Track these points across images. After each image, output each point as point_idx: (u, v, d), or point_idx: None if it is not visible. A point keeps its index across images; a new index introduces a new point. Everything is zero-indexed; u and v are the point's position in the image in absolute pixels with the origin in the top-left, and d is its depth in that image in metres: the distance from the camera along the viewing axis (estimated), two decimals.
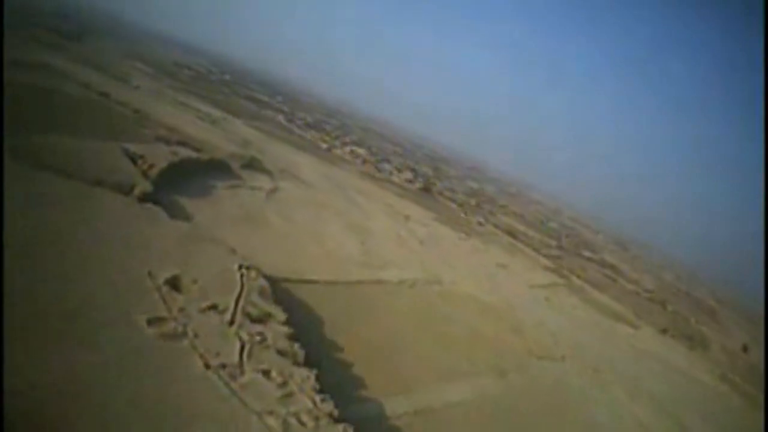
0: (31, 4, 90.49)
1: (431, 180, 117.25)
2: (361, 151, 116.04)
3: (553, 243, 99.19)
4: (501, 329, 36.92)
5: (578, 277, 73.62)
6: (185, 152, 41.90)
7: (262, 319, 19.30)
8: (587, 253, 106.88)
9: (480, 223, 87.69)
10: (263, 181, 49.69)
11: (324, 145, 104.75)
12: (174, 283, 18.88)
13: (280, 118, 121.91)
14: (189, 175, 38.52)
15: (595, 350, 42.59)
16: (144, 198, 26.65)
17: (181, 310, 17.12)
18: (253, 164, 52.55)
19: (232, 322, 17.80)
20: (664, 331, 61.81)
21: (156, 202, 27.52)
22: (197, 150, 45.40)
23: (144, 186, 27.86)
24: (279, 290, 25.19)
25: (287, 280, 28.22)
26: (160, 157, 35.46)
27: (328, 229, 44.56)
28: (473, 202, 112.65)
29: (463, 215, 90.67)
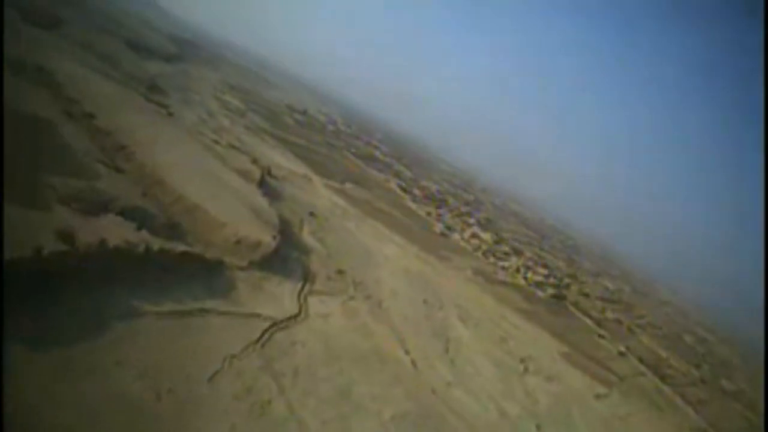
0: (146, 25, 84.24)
1: (565, 281, 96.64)
2: (485, 236, 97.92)
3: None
4: None
5: None
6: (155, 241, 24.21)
7: None
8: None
9: (621, 353, 67.15)
10: (283, 307, 30.08)
11: (439, 226, 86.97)
12: None
13: (394, 183, 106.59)
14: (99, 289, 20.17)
15: None
16: None
17: None
18: (288, 267, 33.58)
19: None
20: None
21: None
22: (186, 238, 27.58)
23: None
24: None
25: None
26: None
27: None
28: (610, 312, 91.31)
29: (601, 339, 69.97)
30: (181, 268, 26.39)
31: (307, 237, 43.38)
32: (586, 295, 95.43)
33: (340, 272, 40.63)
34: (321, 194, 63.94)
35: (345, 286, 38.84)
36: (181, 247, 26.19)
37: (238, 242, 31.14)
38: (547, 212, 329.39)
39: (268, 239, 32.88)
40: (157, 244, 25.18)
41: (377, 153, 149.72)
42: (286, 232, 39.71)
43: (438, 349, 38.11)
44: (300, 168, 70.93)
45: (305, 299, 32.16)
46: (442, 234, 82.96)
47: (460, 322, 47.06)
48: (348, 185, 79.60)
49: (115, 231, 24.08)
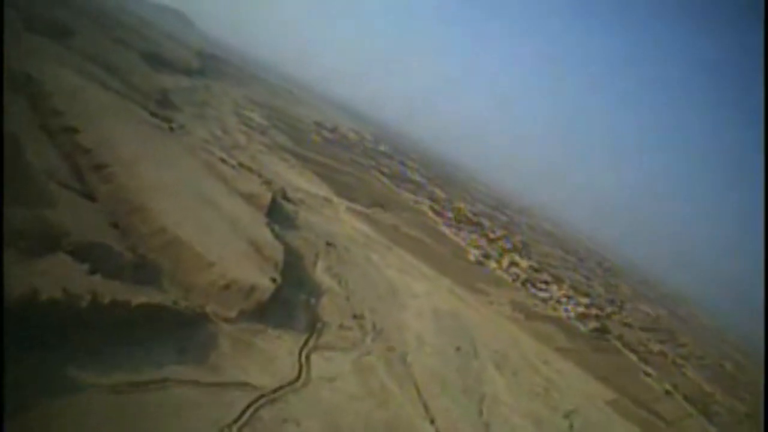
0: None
1: (607, 310, 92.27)
2: (523, 263, 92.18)
3: None
4: None
5: None
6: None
7: None
8: None
9: (668, 392, 61.88)
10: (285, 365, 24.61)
11: (475, 253, 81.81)
12: None
13: (426, 205, 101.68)
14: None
15: None
16: None
17: None
18: (291, 315, 28.24)
19: None
20: None
21: None
22: (160, 282, 22.62)
23: None
24: None
25: None
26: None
27: None
28: (654, 344, 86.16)
29: (647, 378, 64.13)
30: (147, 323, 21.32)
31: (320, 274, 37.95)
32: (629, 325, 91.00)
33: (357, 318, 34.99)
34: (343, 220, 58.77)
35: (361, 335, 33.13)
36: (141, 298, 20.97)
37: (226, 287, 25.92)
38: (569, 224, 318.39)
39: (265, 283, 27.55)
40: (111, 293, 20.13)
41: (409, 172, 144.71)
42: (294, 268, 34.43)
43: (470, 412, 32.08)
44: (321, 190, 66.10)
45: (308, 358, 26.56)
46: (478, 262, 76.95)
47: (496, 371, 40.90)
48: (375, 209, 74.37)
49: (57, 277, 19.19)
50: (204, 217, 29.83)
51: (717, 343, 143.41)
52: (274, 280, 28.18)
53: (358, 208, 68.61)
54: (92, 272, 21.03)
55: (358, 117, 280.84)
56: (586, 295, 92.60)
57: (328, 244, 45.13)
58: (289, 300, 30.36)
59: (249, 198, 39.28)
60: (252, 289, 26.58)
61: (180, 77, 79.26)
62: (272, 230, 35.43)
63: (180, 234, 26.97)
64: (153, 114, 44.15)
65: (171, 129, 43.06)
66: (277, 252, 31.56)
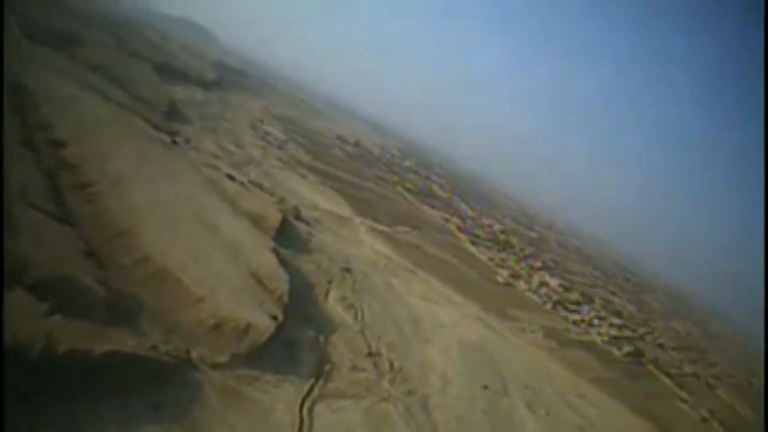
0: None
1: (640, 330, 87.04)
2: (553, 283, 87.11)
3: None
4: None
5: None
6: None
7: None
8: None
9: (704, 419, 57.60)
10: None
11: (504, 273, 77.26)
12: None
13: (452, 223, 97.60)
14: None
15: None
16: None
17: None
18: (295, 357, 24.77)
19: None
20: None
21: None
22: (138, 322, 19.52)
23: None
24: None
25: None
26: None
27: None
28: (687, 365, 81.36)
29: (683, 404, 59.21)
30: (115, 373, 18.06)
31: (333, 305, 34.40)
32: (661, 346, 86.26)
33: (373, 356, 31.27)
34: (363, 241, 55.28)
35: (377, 377, 29.36)
36: (108, 345, 17.69)
37: (216, 327, 22.53)
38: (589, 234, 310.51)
39: (264, 321, 24.11)
40: (70, 338, 16.93)
41: (435, 188, 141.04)
42: (302, 300, 31.03)
43: None
44: (341, 208, 62.85)
45: (311, 410, 22.94)
46: (507, 284, 72.61)
47: (528, 411, 36.46)
48: (398, 228, 70.82)
49: (10, 319, 16.07)
50: (198, 243, 26.62)
51: (744, 358, 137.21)
52: (275, 318, 24.70)
53: (380, 227, 65.12)
54: (53, 312, 17.91)
55: (384, 131, 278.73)
56: (618, 314, 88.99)
57: (344, 269, 41.63)
58: (294, 339, 26.85)
59: (256, 219, 36.06)
60: (248, 328, 23.14)
61: (194, 89, 77.50)
62: (279, 256, 32.11)
63: (167, 264, 23.79)
64: (156, 127, 41.61)
65: (174, 143, 40.34)
66: (282, 283, 28.09)
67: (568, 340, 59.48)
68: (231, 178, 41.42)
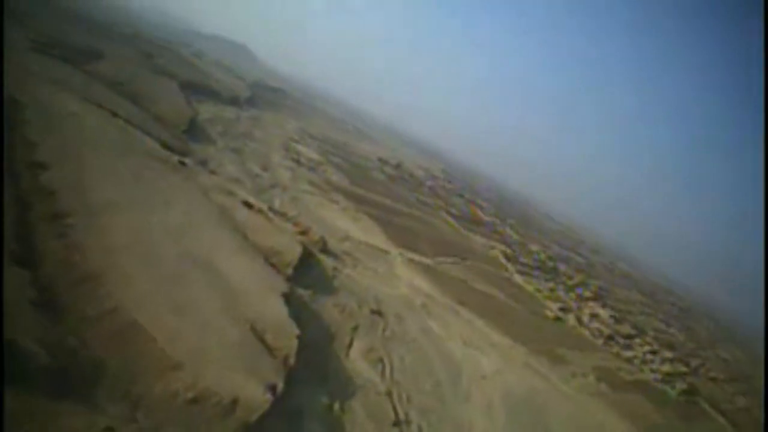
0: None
1: (692, 363, 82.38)
2: (604, 314, 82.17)
3: None
4: None
5: None
6: None
7: None
8: None
9: None
10: None
11: (553, 306, 71.58)
12: None
13: (498, 250, 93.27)
14: None
15: None
16: None
17: None
18: None
19: None
20: None
21: None
22: (94, 397, 15.14)
23: None
24: None
25: None
26: None
27: None
28: (740, 398, 77.12)
29: None
30: None
31: (356, 359, 29.19)
32: (714, 380, 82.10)
33: (400, 425, 25.85)
34: (399, 276, 50.07)
35: None
36: None
37: (194, 401, 17.71)
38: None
39: (257, 393, 19.11)
40: None
41: (480, 212, 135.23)
42: (317, 355, 26.03)
43: None
44: (376, 238, 57.90)
45: None
46: (557, 318, 67.18)
47: None
48: (440, 259, 65.30)
49: None
50: (186, 289, 22.00)
51: None
52: (273, 390, 19.64)
53: (420, 259, 59.81)
54: None
55: (429, 153, 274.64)
56: (670, 346, 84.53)
57: (374, 312, 36.47)
58: (301, 409, 21.79)
59: (270, 255, 31.38)
60: (234, 404, 18.22)
61: (224, 107, 74.74)
62: (293, 301, 27.26)
63: (139, 317, 19.23)
64: (167, 146, 37.94)
65: (182, 164, 36.38)
66: (289, 339, 23.05)
67: (622, 382, 53.76)
68: (247, 205, 37.10)
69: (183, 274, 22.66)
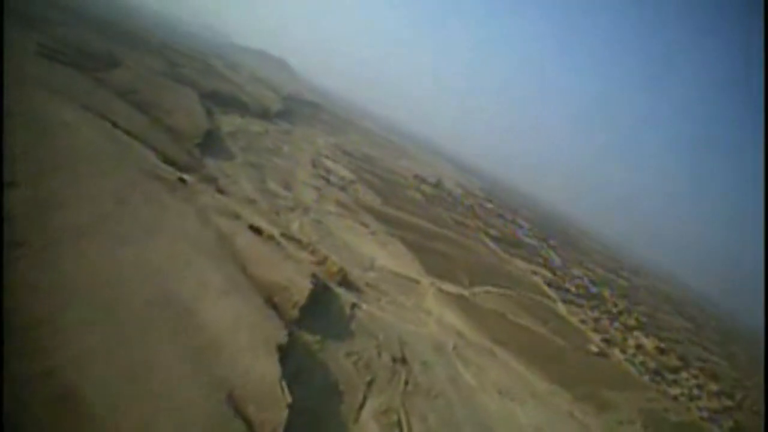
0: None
1: (737, 395, 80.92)
2: (649, 345, 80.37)
3: None
4: None
5: None
6: None
7: None
8: None
9: None
10: None
11: (596, 339, 68.25)
12: None
13: (540, 276, 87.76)
14: None
15: None
16: None
17: None
18: None
19: None
20: None
21: None
22: None
23: None
24: None
25: None
26: None
27: None
28: None
29: None
30: None
31: (366, 424, 24.53)
32: (758, 414, 79.73)
33: None
34: (429, 311, 45.36)
35: None
36: None
37: None
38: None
39: None
40: None
41: (520, 233, 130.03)
42: (318, 422, 21.56)
43: None
44: (406, 265, 53.40)
45: None
46: (601, 353, 63.01)
47: None
48: (476, 289, 60.28)
49: None
50: (147, 345, 17.90)
51: None
52: None
53: (454, 289, 55.03)
54: None
55: (469, 171, 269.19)
56: (715, 377, 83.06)
57: (396, 359, 31.83)
58: None
59: (273, 291, 27.19)
60: None
61: (252, 120, 71.90)
62: (292, 352, 22.90)
63: (80, 382, 15.22)
64: (170, 162, 34.55)
65: (182, 181, 32.76)
66: (277, 408, 18.66)
67: (669, 426, 48.97)
68: (255, 230, 33.09)
69: (148, 326, 18.58)
